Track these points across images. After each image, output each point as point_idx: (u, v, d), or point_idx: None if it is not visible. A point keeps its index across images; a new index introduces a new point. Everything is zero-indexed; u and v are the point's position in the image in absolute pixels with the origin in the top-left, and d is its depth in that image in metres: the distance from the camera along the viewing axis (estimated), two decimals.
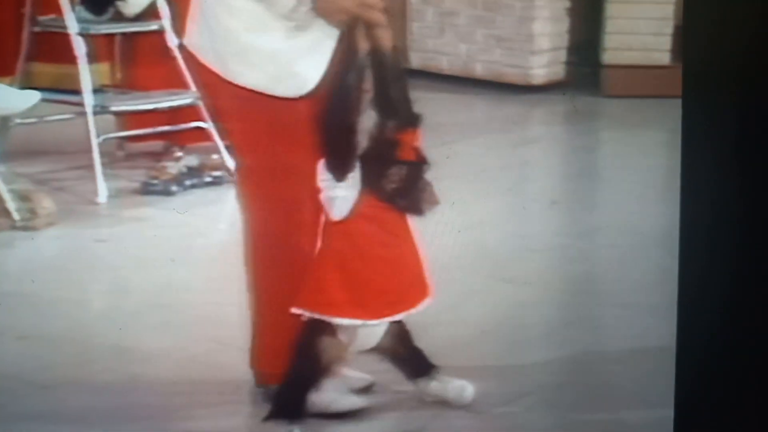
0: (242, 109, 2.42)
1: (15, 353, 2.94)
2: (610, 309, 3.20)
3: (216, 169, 4.36)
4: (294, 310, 2.44)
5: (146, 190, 4.25)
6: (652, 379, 2.59)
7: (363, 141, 2.43)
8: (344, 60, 2.36)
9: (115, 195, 4.18)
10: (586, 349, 2.96)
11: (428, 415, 2.61)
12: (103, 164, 4.19)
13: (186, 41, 2.48)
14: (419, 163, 2.44)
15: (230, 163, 4.32)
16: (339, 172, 2.39)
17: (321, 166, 2.41)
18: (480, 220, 3.92)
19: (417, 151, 2.45)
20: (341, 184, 2.40)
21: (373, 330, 2.50)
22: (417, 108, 2.48)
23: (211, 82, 2.44)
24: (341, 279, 2.44)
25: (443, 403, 2.61)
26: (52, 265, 3.62)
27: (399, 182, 2.43)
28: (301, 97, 2.39)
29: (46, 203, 3.88)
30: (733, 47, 1.76)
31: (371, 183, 2.41)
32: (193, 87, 4.39)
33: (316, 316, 2.45)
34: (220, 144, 4.36)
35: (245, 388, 2.66)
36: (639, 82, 5.61)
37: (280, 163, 2.45)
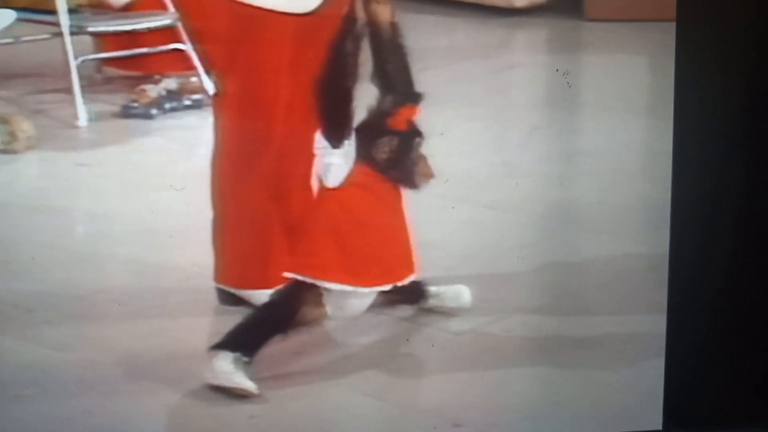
0: (246, 30, 2.57)
1: None
2: (591, 235, 3.27)
3: (195, 92, 4.38)
4: (286, 274, 2.54)
5: (126, 113, 4.28)
6: (639, 297, 2.69)
7: (361, 112, 2.49)
8: (342, 27, 2.46)
9: (95, 118, 4.21)
10: (566, 272, 3.05)
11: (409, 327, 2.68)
12: (82, 87, 4.20)
13: None
14: (411, 133, 2.53)
15: (209, 86, 4.34)
16: (335, 139, 2.49)
17: (318, 133, 2.46)
18: (461, 146, 3.96)
19: (411, 123, 2.53)
20: (337, 151, 2.48)
21: (362, 300, 2.57)
22: (417, 79, 2.56)
23: (210, 4, 2.59)
24: (334, 244, 2.54)
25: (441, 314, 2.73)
26: (34, 187, 3.66)
27: (389, 152, 2.51)
28: (307, 14, 2.54)
29: (25, 126, 3.91)
30: None
31: (364, 153, 2.50)
32: (171, 8, 4.39)
33: (308, 280, 2.54)
34: (200, 67, 4.37)
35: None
36: (622, 5, 5.62)
37: (262, 87, 2.58)
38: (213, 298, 2.80)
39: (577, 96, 4.91)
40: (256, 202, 2.67)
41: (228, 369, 2.48)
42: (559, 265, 3.08)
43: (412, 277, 2.61)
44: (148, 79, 4.47)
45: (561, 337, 2.68)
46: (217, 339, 2.62)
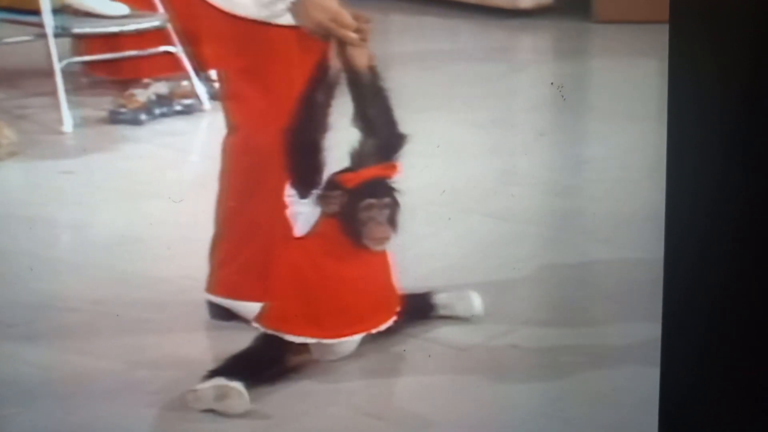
0: (238, 37, 2.59)
1: None
2: (596, 244, 3.24)
3: (186, 96, 4.36)
4: (254, 324, 2.53)
5: (114, 119, 4.26)
6: (638, 305, 2.71)
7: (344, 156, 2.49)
8: (314, 77, 2.43)
9: (80, 124, 4.19)
10: (571, 283, 3.01)
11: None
12: (67, 91, 4.19)
13: None
14: (361, 193, 2.47)
15: (200, 89, 4.32)
16: (302, 189, 2.47)
17: (288, 183, 2.47)
18: (464, 152, 3.96)
19: (367, 183, 2.48)
20: (304, 200, 2.46)
21: (346, 345, 2.56)
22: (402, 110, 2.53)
23: (208, 13, 2.58)
24: (297, 295, 2.51)
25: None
26: (16, 196, 3.64)
27: (339, 208, 2.48)
28: (292, 27, 2.52)
29: (7, 132, 3.90)
30: None
31: (317, 202, 2.47)
32: (161, 9, 4.37)
33: (271, 332, 2.50)
34: (190, 70, 4.35)
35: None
36: (629, 7, 5.63)
37: (263, 79, 2.58)
38: (204, 309, 2.78)
39: (584, 100, 4.90)
40: (263, 216, 2.65)
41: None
42: (558, 273, 3.06)
43: (389, 323, 2.59)
44: (136, 82, 4.44)
45: (557, 347, 2.68)
46: (212, 352, 2.63)
